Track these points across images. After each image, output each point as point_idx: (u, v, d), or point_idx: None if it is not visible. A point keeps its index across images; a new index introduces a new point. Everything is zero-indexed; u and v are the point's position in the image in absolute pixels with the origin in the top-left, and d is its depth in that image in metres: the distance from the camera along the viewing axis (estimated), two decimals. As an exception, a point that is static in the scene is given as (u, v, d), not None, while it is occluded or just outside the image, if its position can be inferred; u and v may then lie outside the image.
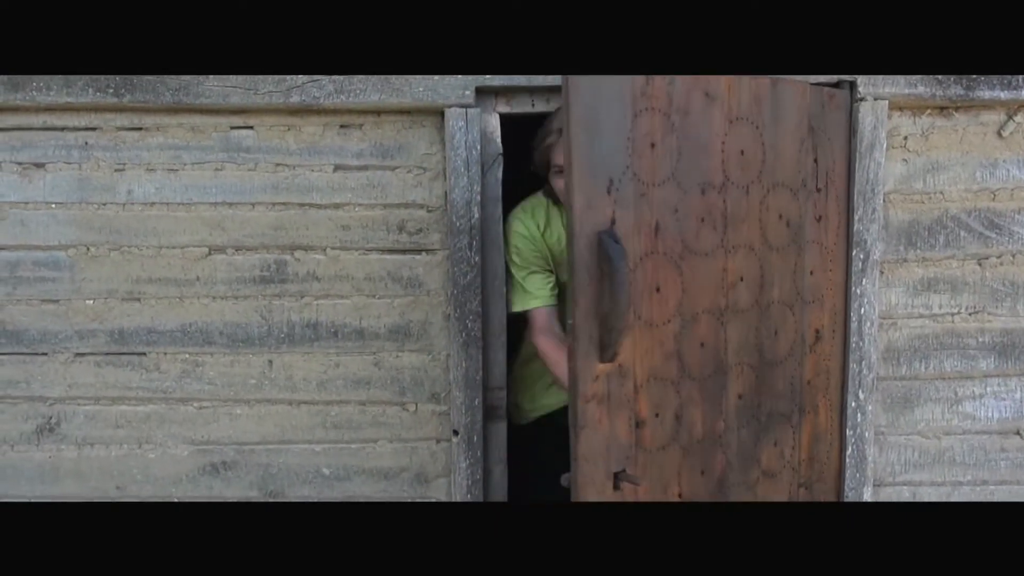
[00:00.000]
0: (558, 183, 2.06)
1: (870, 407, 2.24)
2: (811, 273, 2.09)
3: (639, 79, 1.62)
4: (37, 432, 2.30)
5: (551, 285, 2.18)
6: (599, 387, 1.65)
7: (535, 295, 2.16)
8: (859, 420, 2.24)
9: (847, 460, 2.25)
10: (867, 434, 2.24)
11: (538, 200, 2.22)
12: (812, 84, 2.03)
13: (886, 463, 2.30)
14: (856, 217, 2.18)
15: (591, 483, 1.63)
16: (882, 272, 2.23)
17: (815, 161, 2.06)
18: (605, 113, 1.59)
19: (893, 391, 2.29)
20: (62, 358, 2.28)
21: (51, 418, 2.29)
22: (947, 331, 2.27)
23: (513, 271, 2.19)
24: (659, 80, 1.66)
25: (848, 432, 2.24)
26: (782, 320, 1.99)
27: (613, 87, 1.59)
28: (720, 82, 1.74)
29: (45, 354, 2.28)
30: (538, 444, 2.32)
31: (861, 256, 2.19)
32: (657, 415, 1.76)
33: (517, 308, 2.19)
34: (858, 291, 2.20)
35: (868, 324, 2.21)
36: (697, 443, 1.84)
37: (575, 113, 1.54)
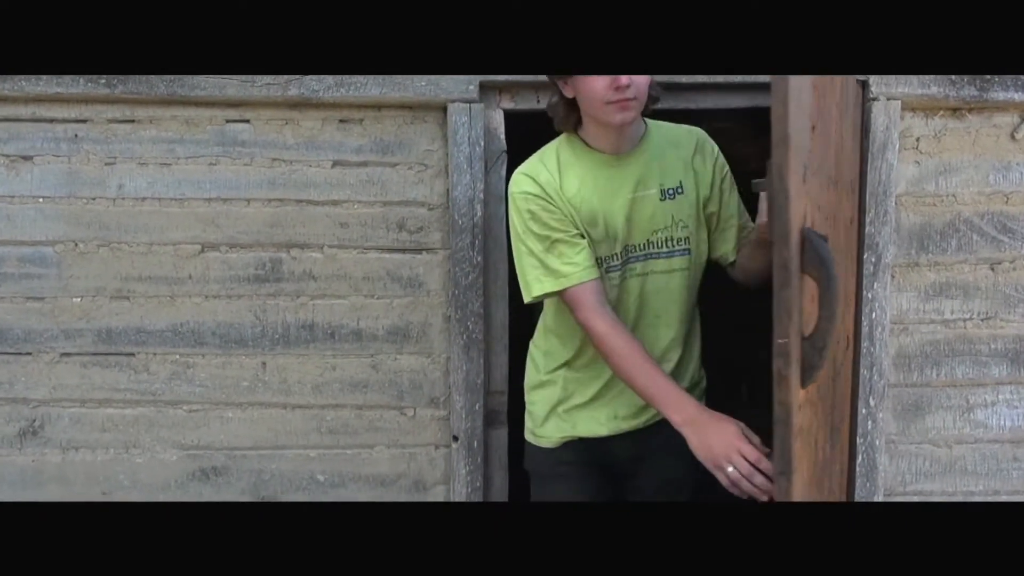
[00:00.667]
0: (595, 82, 1.59)
1: (880, 415, 2.18)
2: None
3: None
4: (20, 435, 2.21)
5: (586, 253, 1.69)
6: (803, 419, 1.38)
7: (565, 271, 1.67)
8: (869, 428, 2.18)
9: (857, 469, 2.19)
10: (878, 442, 2.19)
11: (548, 147, 1.79)
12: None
13: (896, 472, 2.24)
14: (868, 219, 2.13)
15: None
16: (893, 276, 2.18)
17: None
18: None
19: (904, 398, 2.23)
20: (47, 358, 2.19)
21: (35, 421, 2.21)
22: (959, 337, 2.22)
23: (527, 246, 1.70)
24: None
25: (859, 440, 2.18)
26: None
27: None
28: (835, 81, 1.64)
29: (29, 354, 2.19)
30: (570, 481, 1.86)
31: (873, 259, 2.14)
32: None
33: (541, 291, 1.70)
34: (869, 295, 2.15)
35: (880, 329, 2.16)
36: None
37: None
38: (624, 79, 1.58)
